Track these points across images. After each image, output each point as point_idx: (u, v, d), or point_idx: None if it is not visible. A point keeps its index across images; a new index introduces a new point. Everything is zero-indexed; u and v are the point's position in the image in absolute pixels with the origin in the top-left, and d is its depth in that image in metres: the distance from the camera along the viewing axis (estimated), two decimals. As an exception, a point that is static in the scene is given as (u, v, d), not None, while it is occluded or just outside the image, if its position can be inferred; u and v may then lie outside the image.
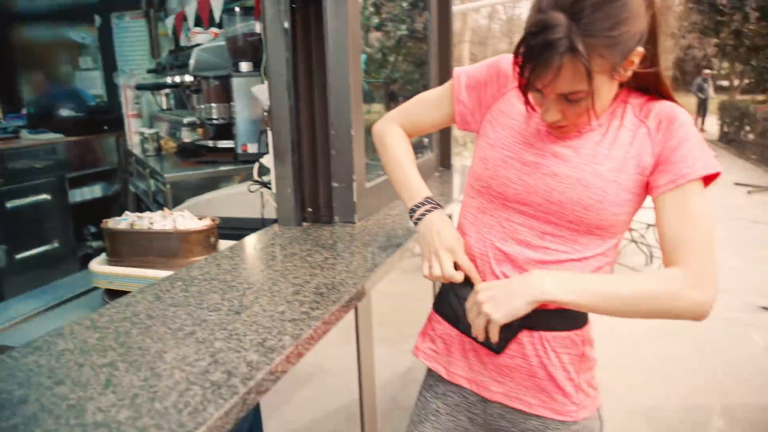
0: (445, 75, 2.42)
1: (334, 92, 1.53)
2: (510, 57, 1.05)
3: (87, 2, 4.46)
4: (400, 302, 3.06)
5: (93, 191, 3.96)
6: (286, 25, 1.52)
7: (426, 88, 2.39)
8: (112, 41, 4.18)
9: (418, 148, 2.45)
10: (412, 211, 1.13)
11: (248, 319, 0.99)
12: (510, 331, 1.01)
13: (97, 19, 4.35)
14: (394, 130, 1.24)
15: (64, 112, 4.25)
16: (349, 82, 1.52)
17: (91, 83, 4.57)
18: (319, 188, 1.61)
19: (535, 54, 0.85)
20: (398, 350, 2.84)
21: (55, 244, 3.64)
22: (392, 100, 3.69)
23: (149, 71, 3.70)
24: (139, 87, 3.31)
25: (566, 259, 0.99)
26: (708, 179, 0.93)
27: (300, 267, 1.24)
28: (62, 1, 4.63)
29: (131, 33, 4.05)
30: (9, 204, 3.32)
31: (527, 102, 0.95)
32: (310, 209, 1.60)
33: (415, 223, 1.11)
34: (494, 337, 0.95)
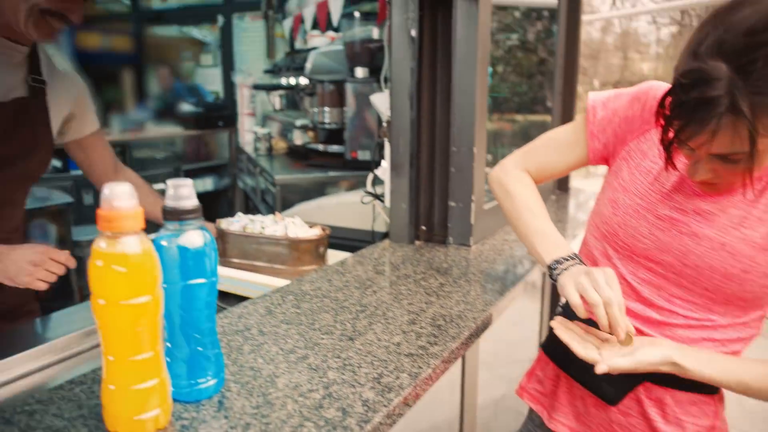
0: (569, 88, 2.28)
1: (458, 106, 1.45)
2: (659, 86, 0.92)
3: (212, 3, 4.67)
4: (496, 324, 2.94)
5: (204, 184, 4.12)
6: (413, 33, 1.46)
7: (536, 101, 2.26)
8: (232, 41, 4.34)
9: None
10: (556, 263, 0.95)
11: (362, 348, 0.92)
12: (630, 381, 0.90)
13: (220, 19, 4.54)
14: (518, 175, 1.10)
15: (184, 106, 4.45)
16: (475, 96, 1.43)
17: (210, 80, 4.76)
18: (434, 206, 1.53)
19: (688, 110, 0.71)
20: (493, 375, 2.70)
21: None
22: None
23: (266, 71, 3.79)
24: (256, 87, 3.39)
25: (697, 325, 0.86)
26: None
27: (414, 292, 1.17)
28: (191, 1, 4.88)
29: (250, 33, 4.19)
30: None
31: (668, 160, 0.81)
32: (423, 227, 1.53)
33: (556, 279, 0.96)
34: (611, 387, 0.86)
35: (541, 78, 2.42)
